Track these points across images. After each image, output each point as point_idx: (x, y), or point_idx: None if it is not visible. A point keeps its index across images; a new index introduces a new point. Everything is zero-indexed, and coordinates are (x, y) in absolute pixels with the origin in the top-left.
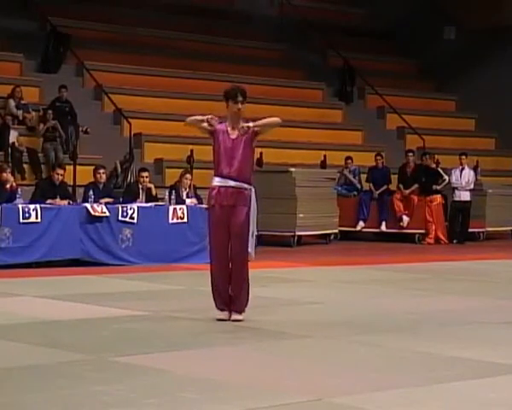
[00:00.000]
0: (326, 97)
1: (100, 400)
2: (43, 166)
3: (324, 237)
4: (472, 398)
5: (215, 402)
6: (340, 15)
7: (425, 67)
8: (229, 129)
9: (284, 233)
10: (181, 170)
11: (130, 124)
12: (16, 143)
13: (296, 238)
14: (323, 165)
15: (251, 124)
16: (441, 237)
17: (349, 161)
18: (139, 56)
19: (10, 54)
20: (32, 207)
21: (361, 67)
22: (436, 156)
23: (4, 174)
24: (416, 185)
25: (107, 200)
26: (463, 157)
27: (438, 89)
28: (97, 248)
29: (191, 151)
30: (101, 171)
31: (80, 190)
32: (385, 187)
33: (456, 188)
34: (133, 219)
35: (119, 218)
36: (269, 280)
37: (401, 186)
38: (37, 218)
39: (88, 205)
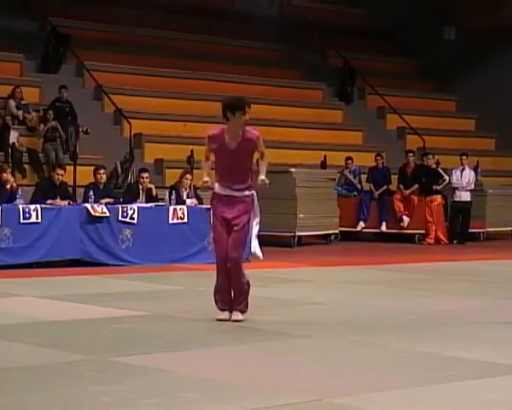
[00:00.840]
0: (326, 97)
1: (100, 400)
2: (43, 166)
3: (324, 238)
4: (472, 398)
5: (215, 402)
6: (340, 15)
7: (425, 67)
8: (227, 140)
9: (284, 233)
10: (181, 170)
11: (130, 124)
12: (16, 144)
13: (296, 239)
14: (324, 165)
15: (263, 177)
16: (441, 237)
17: (349, 161)
18: (139, 56)
19: (10, 54)
20: (32, 207)
21: (361, 67)
22: (436, 156)
23: (5, 174)
24: (416, 186)
25: (107, 200)
26: (464, 157)
27: (438, 89)
28: (97, 248)
29: (191, 151)
30: (102, 171)
31: (80, 191)
32: (385, 187)
33: (457, 188)
34: (133, 219)
35: (120, 218)
36: (269, 280)
37: (401, 186)
38: (37, 218)
39: (88, 205)
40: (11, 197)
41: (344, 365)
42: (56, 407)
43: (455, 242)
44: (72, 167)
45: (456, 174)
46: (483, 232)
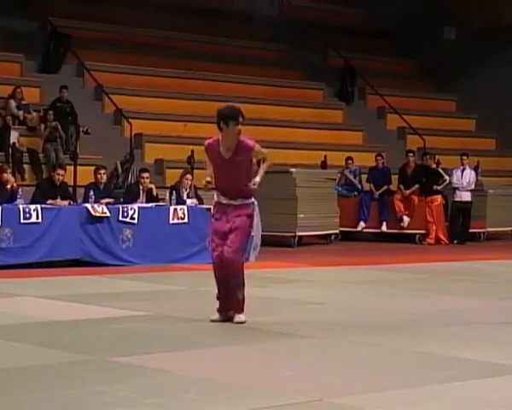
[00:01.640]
0: (326, 97)
1: (100, 400)
2: (43, 166)
3: (325, 238)
4: (472, 398)
5: (215, 402)
6: (340, 15)
7: (425, 67)
8: (222, 150)
9: (285, 233)
10: (181, 170)
11: (130, 124)
12: (17, 144)
13: (297, 239)
14: (324, 165)
15: (256, 180)
16: (442, 237)
17: (349, 161)
18: (139, 56)
19: (11, 54)
20: (32, 207)
21: (361, 67)
22: (436, 156)
23: (5, 175)
24: (416, 186)
25: (107, 200)
26: (464, 157)
27: (438, 89)
28: (98, 248)
29: (192, 152)
30: (102, 171)
31: (81, 191)
32: (385, 187)
33: (457, 188)
34: (134, 219)
35: (120, 218)
36: (269, 280)
37: (401, 186)
38: (37, 218)
39: (88, 205)
40: (11, 197)
41: (344, 365)
42: (56, 407)
43: (455, 242)
44: (72, 167)
45: (456, 174)
46: (483, 232)
